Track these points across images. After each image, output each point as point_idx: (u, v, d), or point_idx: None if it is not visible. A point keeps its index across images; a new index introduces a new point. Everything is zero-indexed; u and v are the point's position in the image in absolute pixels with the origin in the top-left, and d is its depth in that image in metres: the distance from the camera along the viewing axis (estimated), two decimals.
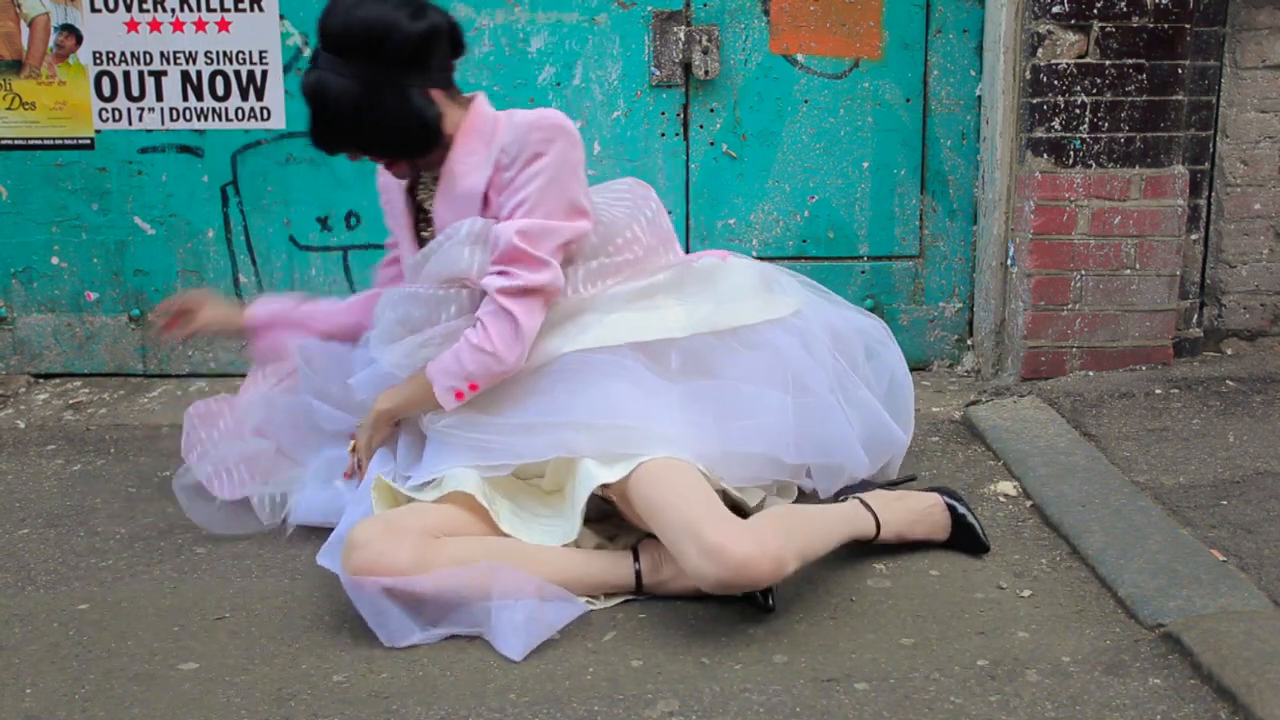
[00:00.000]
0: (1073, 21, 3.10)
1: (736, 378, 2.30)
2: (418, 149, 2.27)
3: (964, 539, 2.31)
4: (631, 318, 2.29)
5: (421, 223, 2.41)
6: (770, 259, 2.78)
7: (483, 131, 2.28)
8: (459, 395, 2.20)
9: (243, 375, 3.48)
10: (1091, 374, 3.20)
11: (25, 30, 3.36)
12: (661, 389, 2.24)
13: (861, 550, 2.32)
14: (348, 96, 2.18)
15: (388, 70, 2.19)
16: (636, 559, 2.14)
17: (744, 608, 2.10)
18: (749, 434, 2.24)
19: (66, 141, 3.41)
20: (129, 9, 3.34)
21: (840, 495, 2.36)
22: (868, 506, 2.26)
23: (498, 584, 2.00)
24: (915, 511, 2.30)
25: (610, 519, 2.29)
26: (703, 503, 2.02)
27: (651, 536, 2.17)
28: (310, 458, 2.49)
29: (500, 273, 2.21)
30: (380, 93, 2.19)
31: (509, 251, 2.20)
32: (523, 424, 2.19)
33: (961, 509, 2.32)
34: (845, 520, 2.22)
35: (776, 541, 1.98)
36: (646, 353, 2.27)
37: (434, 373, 2.22)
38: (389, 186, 2.47)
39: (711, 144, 3.42)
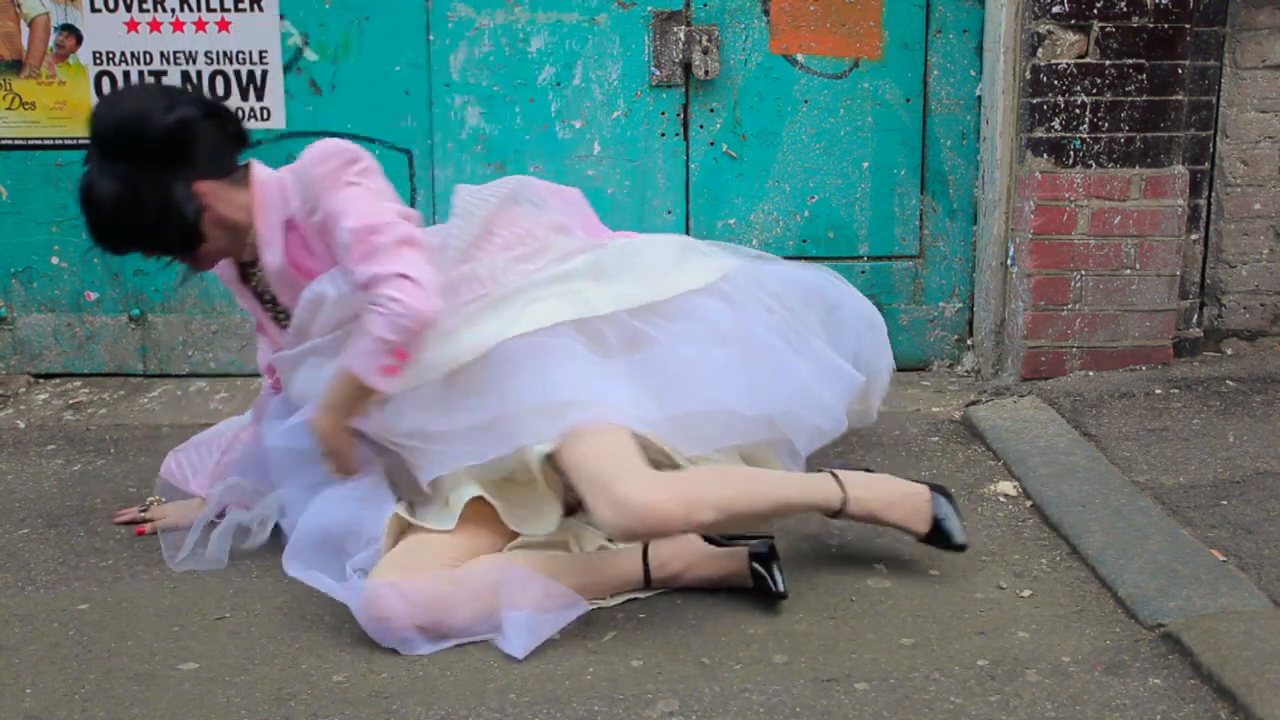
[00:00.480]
0: (1073, 21, 3.10)
1: (672, 343, 2.26)
2: (183, 245, 2.22)
3: (942, 536, 2.23)
4: (556, 304, 2.22)
5: (277, 313, 2.37)
6: None
7: (272, 201, 2.25)
8: (390, 370, 2.11)
9: (243, 375, 3.50)
10: (1091, 374, 3.20)
11: (25, 30, 3.36)
12: (605, 364, 2.19)
13: (861, 550, 2.33)
14: (110, 196, 2.14)
15: (147, 166, 2.14)
16: (645, 555, 2.14)
17: (744, 607, 2.10)
18: (699, 392, 2.20)
19: (66, 141, 3.41)
20: (129, 9, 3.34)
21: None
22: (838, 479, 2.19)
23: (506, 589, 1.99)
24: (894, 495, 2.20)
25: None
26: (618, 458, 1.99)
27: None
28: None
29: (363, 258, 2.14)
30: (141, 190, 2.14)
31: (357, 237, 2.13)
32: (481, 423, 2.13)
33: (942, 505, 2.22)
34: (802, 485, 2.15)
35: (689, 488, 1.96)
36: (582, 332, 2.21)
37: (352, 363, 2.12)
38: (228, 279, 2.43)
39: (711, 144, 3.42)
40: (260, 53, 3.36)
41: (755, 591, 2.11)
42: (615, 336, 2.24)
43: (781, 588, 2.08)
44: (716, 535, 2.19)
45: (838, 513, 2.18)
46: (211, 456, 2.53)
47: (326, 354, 2.26)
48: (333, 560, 2.15)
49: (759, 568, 2.09)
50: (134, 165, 2.14)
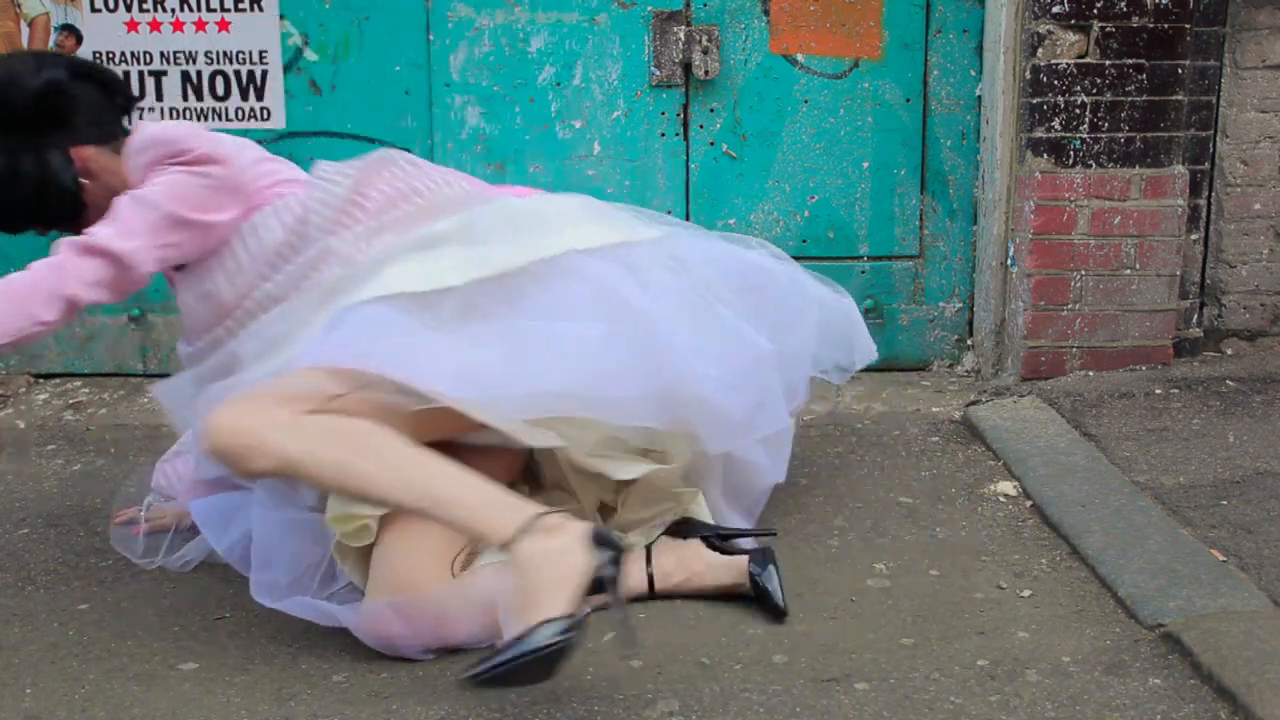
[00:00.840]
0: (1073, 21, 3.10)
1: (533, 314, 2.05)
2: (65, 215, 2.15)
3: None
4: (406, 270, 2.05)
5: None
6: None
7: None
8: None
9: None
10: (1091, 374, 3.20)
11: (25, 30, 3.37)
12: (426, 335, 1.99)
13: (861, 550, 2.33)
14: None
15: (21, 133, 2.09)
16: (649, 565, 2.13)
17: (744, 608, 2.10)
18: (542, 371, 1.98)
19: None
20: (129, 9, 3.34)
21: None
22: (537, 521, 1.78)
23: (506, 601, 1.96)
24: (570, 573, 1.74)
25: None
26: (270, 385, 1.88)
27: (666, 535, 2.18)
28: None
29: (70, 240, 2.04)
30: (20, 160, 2.08)
31: (109, 213, 2.06)
32: None
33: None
34: (470, 502, 1.81)
35: (268, 430, 1.80)
36: (418, 302, 2.02)
37: None
38: None
39: (711, 144, 3.42)
40: (260, 53, 3.36)
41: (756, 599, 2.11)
42: (453, 307, 2.04)
43: (781, 604, 2.06)
44: (714, 537, 2.18)
45: (501, 544, 1.79)
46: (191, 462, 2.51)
47: (195, 363, 2.21)
48: (304, 582, 2.08)
49: (760, 584, 2.08)
50: (8, 134, 2.09)
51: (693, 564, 2.14)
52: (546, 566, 1.74)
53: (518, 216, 2.16)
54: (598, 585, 1.77)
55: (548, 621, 1.69)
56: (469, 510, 1.81)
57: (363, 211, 2.14)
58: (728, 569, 2.12)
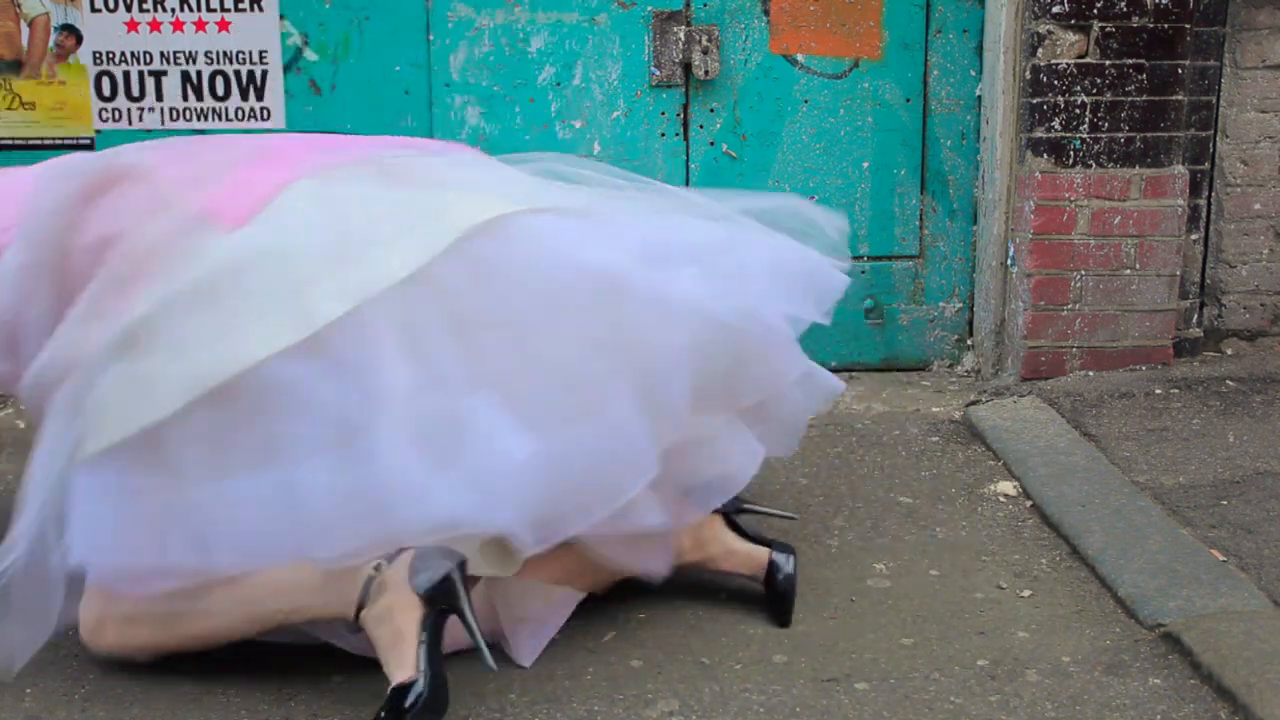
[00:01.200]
0: (1073, 21, 3.10)
1: (247, 455, 1.75)
2: None
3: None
4: (115, 398, 1.77)
5: None
6: None
7: None
8: None
9: None
10: (1091, 374, 3.20)
11: (25, 30, 3.36)
12: (152, 508, 1.76)
13: (861, 550, 2.33)
14: None
15: None
16: None
17: (744, 607, 2.10)
18: (238, 550, 1.75)
19: (66, 141, 3.41)
20: (129, 9, 3.34)
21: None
22: (373, 583, 1.77)
23: (504, 604, 1.94)
24: (406, 630, 1.72)
25: None
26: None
27: None
28: None
29: None
30: None
31: None
32: None
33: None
34: (322, 595, 1.79)
35: (118, 636, 1.85)
36: (140, 444, 1.75)
37: None
38: None
39: (711, 144, 3.42)
40: (260, 53, 3.36)
41: (757, 596, 2.11)
42: (175, 441, 1.76)
43: (788, 614, 2.05)
44: (732, 511, 2.13)
45: (351, 619, 1.79)
46: None
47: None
48: None
49: (776, 586, 2.06)
50: None
51: (710, 546, 2.10)
52: (383, 628, 1.74)
53: (225, 295, 1.78)
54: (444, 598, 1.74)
55: (403, 688, 1.68)
56: (313, 609, 1.82)
57: (69, 280, 1.90)
58: (745, 561, 2.09)
